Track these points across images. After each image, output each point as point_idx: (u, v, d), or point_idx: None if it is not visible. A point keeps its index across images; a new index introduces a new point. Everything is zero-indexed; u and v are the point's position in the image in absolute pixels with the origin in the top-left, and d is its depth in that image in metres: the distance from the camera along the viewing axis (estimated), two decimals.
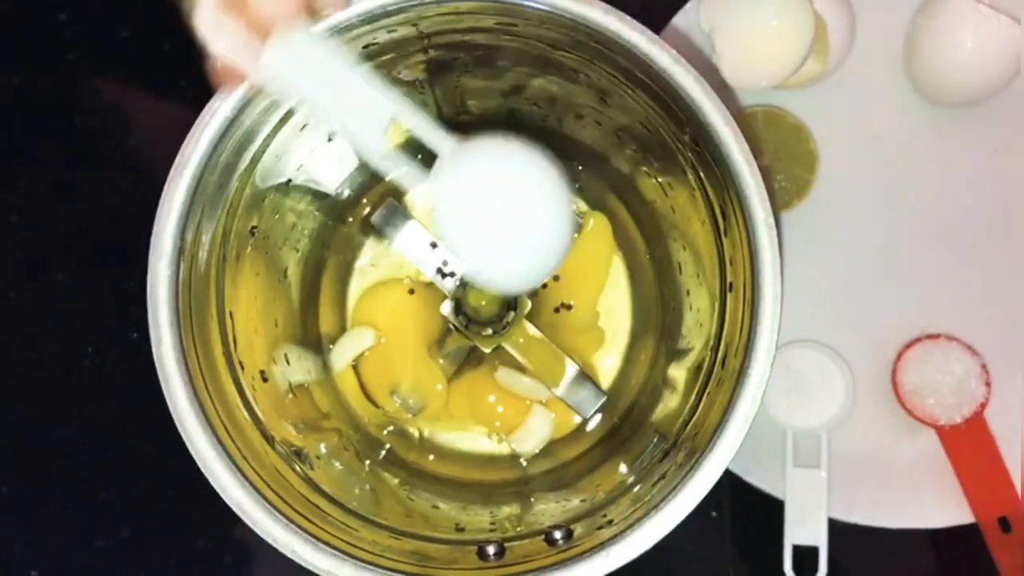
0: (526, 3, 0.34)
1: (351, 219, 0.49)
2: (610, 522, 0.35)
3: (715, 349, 0.37)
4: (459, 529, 0.40)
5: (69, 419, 0.55)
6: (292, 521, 0.34)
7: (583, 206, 0.49)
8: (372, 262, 0.49)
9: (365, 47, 0.37)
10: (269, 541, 0.34)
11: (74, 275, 0.56)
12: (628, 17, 0.34)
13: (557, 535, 0.36)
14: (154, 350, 0.34)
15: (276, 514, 0.34)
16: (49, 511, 0.55)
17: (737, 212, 0.34)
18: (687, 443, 0.37)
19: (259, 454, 0.36)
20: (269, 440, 0.38)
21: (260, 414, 0.38)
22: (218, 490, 0.34)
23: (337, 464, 0.42)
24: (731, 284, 0.37)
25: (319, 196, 0.46)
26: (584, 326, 0.49)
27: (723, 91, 0.49)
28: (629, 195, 0.48)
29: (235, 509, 0.34)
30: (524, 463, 0.48)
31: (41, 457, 0.55)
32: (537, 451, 0.48)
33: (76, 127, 0.56)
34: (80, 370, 0.55)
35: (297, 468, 0.38)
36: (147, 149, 0.56)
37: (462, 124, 0.47)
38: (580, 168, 0.49)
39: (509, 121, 0.47)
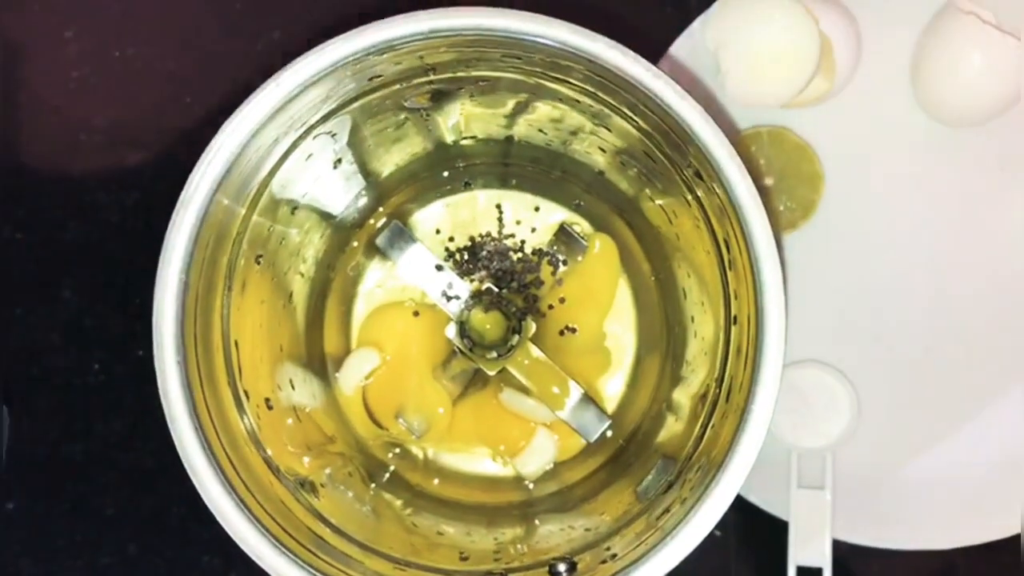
0: (531, 38, 0.34)
1: (355, 242, 0.49)
2: (614, 556, 0.36)
3: (720, 381, 0.37)
4: (463, 558, 0.40)
5: (75, 435, 0.55)
6: (297, 555, 0.34)
7: (588, 228, 0.49)
8: (377, 284, 0.49)
9: (371, 79, 0.37)
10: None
11: (81, 292, 0.56)
12: (631, 52, 0.34)
13: (561, 568, 0.36)
14: (160, 386, 0.34)
15: (282, 549, 0.34)
16: (55, 527, 0.55)
17: (742, 248, 0.34)
18: (691, 475, 0.37)
19: (264, 486, 0.36)
20: (274, 471, 0.38)
21: (265, 444, 0.38)
22: (223, 525, 0.34)
23: (342, 489, 0.43)
24: (735, 317, 0.37)
25: (323, 220, 0.46)
26: (589, 348, 0.49)
27: (722, 116, 0.50)
28: (634, 217, 0.48)
29: (239, 543, 0.34)
30: (529, 485, 0.48)
31: (47, 473, 0.55)
32: (541, 473, 0.48)
33: (82, 145, 0.56)
34: (86, 387, 0.55)
35: (302, 499, 0.38)
36: (153, 167, 0.56)
37: (464, 147, 0.47)
38: (584, 190, 0.49)
39: (511, 142, 0.47)
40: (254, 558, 0.34)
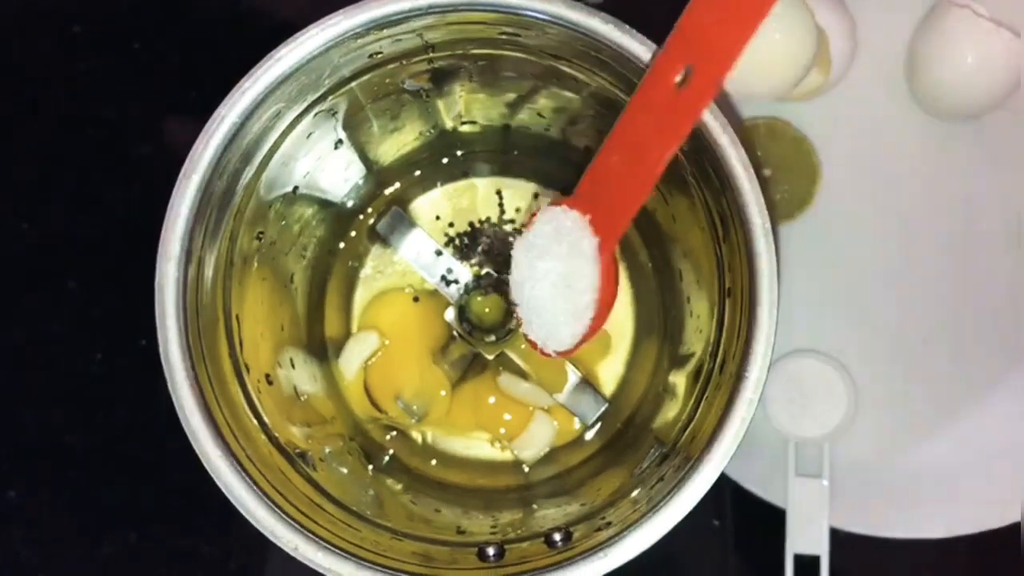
0: (529, 14, 0.35)
1: (356, 227, 0.50)
2: (608, 524, 0.36)
3: (714, 354, 0.38)
4: (460, 531, 0.40)
5: (77, 425, 0.56)
6: (294, 520, 0.34)
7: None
8: (377, 269, 0.50)
9: (371, 56, 0.38)
10: (271, 538, 0.34)
11: (85, 283, 0.56)
12: (628, 27, 0.35)
13: (556, 537, 0.37)
14: (161, 350, 0.35)
15: (279, 512, 0.34)
16: (56, 516, 0.55)
17: (735, 218, 0.35)
18: (685, 447, 0.37)
19: (263, 455, 0.37)
20: (273, 441, 0.38)
21: (265, 416, 0.39)
22: (221, 487, 0.34)
23: (340, 468, 0.43)
24: (729, 290, 0.37)
25: (325, 204, 0.47)
26: None
27: (724, 103, 0.50)
28: None
29: (238, 506, 0.34)
30: (526, 469, 0.48)
31: (49, 462, 0.56)
32: (539, 457, 0.48)
33: (88, 137, 0.57)
34: (89, 377, 0.56)
35: (301, 470, 0.38)
36: (157, 159, 0.56)
37: (464, 133, 0.48)
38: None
39: (509, 129, 0.48)
40: (251, 520, 0.34)
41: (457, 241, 0.49)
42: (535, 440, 0.48)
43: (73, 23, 0.57)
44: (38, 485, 0.56)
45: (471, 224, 0.49)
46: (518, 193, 0.50)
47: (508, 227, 0.49)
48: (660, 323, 0.48)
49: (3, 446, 0.56)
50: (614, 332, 0.49)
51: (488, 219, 0.49)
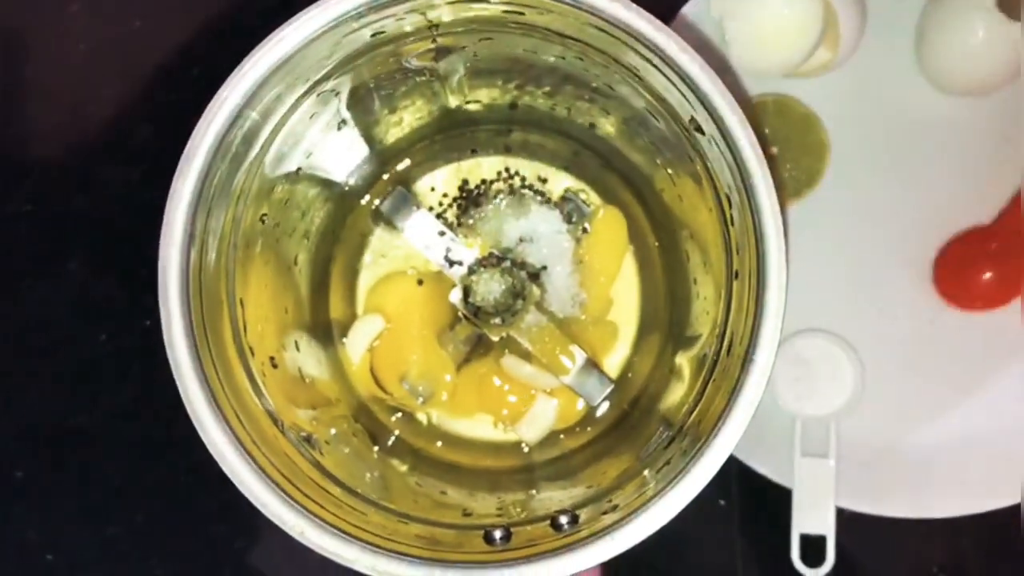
0: None
1: (360, 208, 0.49)
2: (615, 507, 0.36)
3: (721, 337, 0.37)
4: (466, 514, 0.40)
5: (83, 405, 0.56)
6: (301, 505, 0.34)
7: (596, 198, 0.49)
8: (381, 251, 0.50)
9: (374, 35, 0.37)
10: (278, 523, 0.34)
11: (88, 264, 0.56)
12: (632, 4, 0.34)
13: (563, 520, 0.37)
14: (165, 335, 0.35)
15: (285, 497, 0.34)
16: (63, 496, 0.56)
17: (743, 200, 0.34)
18: (692, 430, 0.37)
19: (269, 439, 0.36)
20: (279, 425, 0.38)
21: (270, 399, 0.38)
22: (227, 472, 0.34)
23: (346, 450, 0.43)
24: (737, 272, 0.37)
25: (328, 185, 0.47)
26: (594, 318, 0.49)
27: (731, 81, 0.49)
28: (637, 183, 0.48)
29: (243, 491, 0.34)
30: (526, 449, 0.48)
31: (55, 443, 0.56)
32: (541, 439, 0.48)
33: (89, 118, 0.56)
34: (94, 357, 0.56)
35: (306, 453, 0.38)
36: (160, 140, 0.56)
37: (470, 111, 0.48)
38: (588, 156, 0.49)
39: (515, 108, 0.47)
40: (257, 505, 0.34)
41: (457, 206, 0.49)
42: (537, 422, 0.48)
43: (71, 3, 0.56)
44: (44, 465, 0.56)
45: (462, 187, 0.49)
46: (524, 172, 0.49)
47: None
48: (666, 305, 0.48)
49: (9, 427, 0.56)
50: (620, 313, 0.49)
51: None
